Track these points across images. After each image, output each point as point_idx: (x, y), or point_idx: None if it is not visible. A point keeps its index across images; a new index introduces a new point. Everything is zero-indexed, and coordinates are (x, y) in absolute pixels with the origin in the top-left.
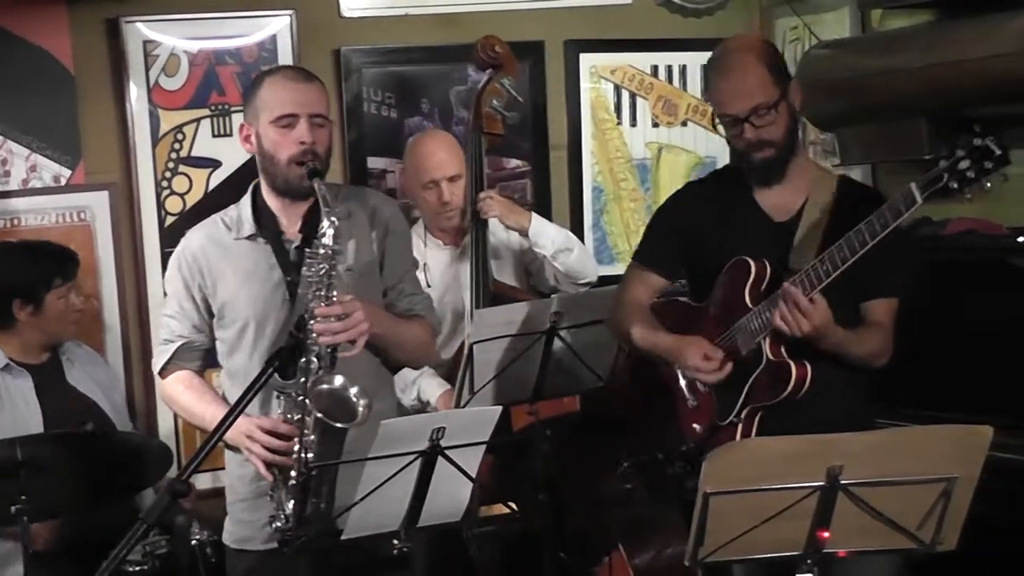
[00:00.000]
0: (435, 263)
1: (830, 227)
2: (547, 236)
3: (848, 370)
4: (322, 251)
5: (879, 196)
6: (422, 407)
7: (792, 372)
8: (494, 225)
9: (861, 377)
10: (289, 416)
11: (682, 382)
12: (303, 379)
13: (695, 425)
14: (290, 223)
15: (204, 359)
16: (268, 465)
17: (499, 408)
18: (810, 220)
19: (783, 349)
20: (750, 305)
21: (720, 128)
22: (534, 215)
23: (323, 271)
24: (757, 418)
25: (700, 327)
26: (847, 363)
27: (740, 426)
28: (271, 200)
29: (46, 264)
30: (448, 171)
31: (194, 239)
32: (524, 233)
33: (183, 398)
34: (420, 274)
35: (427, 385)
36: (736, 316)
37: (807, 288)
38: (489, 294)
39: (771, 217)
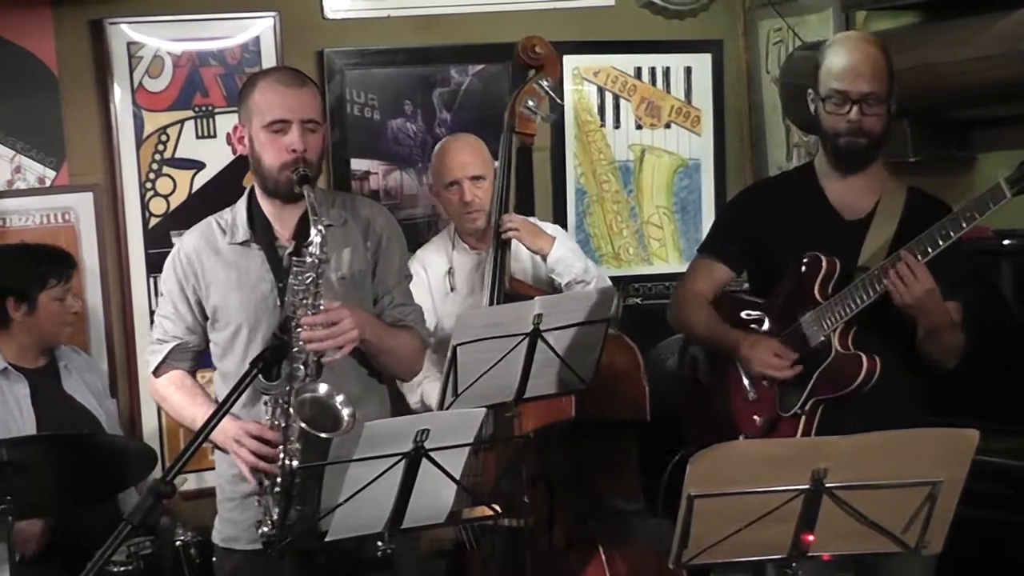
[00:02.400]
0: (461, 267)
1: (901, 230)
2: (565, 264)
3: (907, 369)
4: (309, 259)
5: (948, 207)
6: (424, 410)
7: (863, 364)
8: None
9: (917, 378)
10: (276, 423)
11: (743, 374)
12: (288, 386)
13: (755, 417)
14: (283, 228)
15: (196, 359)
16: (253, 470)
17: (483, 410)
18: (882, 221)
19: (850, 342)
20: (820, 300)
21: (813, 106)
22: (557, 240)
23: (310, 279)
24: (819, 411)
25: (762, 321)
26: (931, 353)
27: (803, 418)
28: (265, 204)
29: (41, 264)
30: (470, 171)
31: (188, 241)
32: (544, 257)
33: (175, 399)
34: (447, 277)
35: (429, 389)
36: (803, 311)
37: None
38: (504, 294)
39: (841, 215)
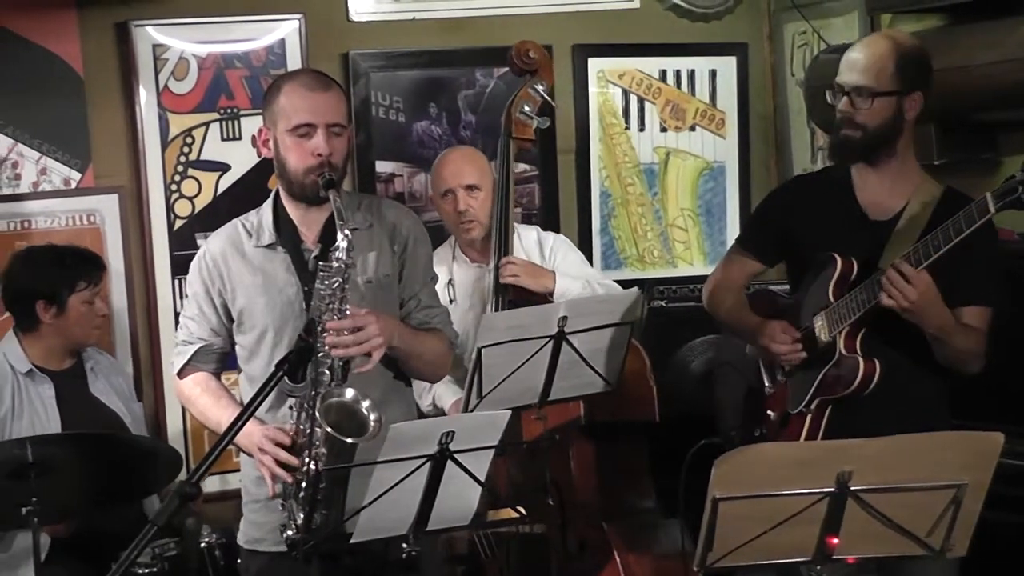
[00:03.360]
0: (461, 279)
1: (928, 232)
2: (572, 295)
3: (926, 372)
4: (336, 264)
5: None
6: (437, 413)
7: (860, 368)
8: (516, 242)
9: (938, 380)
10: (302, 427)
11: (762, 368)
12: (314, 390)
13: (769, 412)
14: (309, 231)
15: (222, 361)
16: (274, 476)
17: (508, 412)
18: (908, 223)
19: (857, 345)
20: (831, 300)
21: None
22: (558, 275)
23: (336, 284)
24: (828, 411)
25: (784, 317)
26: (946, 357)
27: (810, 417)
28: (290, 207)
29: (71, 267)
30: (464, 180)
31: (214, 243)
32: (550, 294)
33: (200, 401)
34: (447, 288)
35: (442, 391)
36: (819, 310)
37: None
38: (508, 302)
39: (868, 215)
